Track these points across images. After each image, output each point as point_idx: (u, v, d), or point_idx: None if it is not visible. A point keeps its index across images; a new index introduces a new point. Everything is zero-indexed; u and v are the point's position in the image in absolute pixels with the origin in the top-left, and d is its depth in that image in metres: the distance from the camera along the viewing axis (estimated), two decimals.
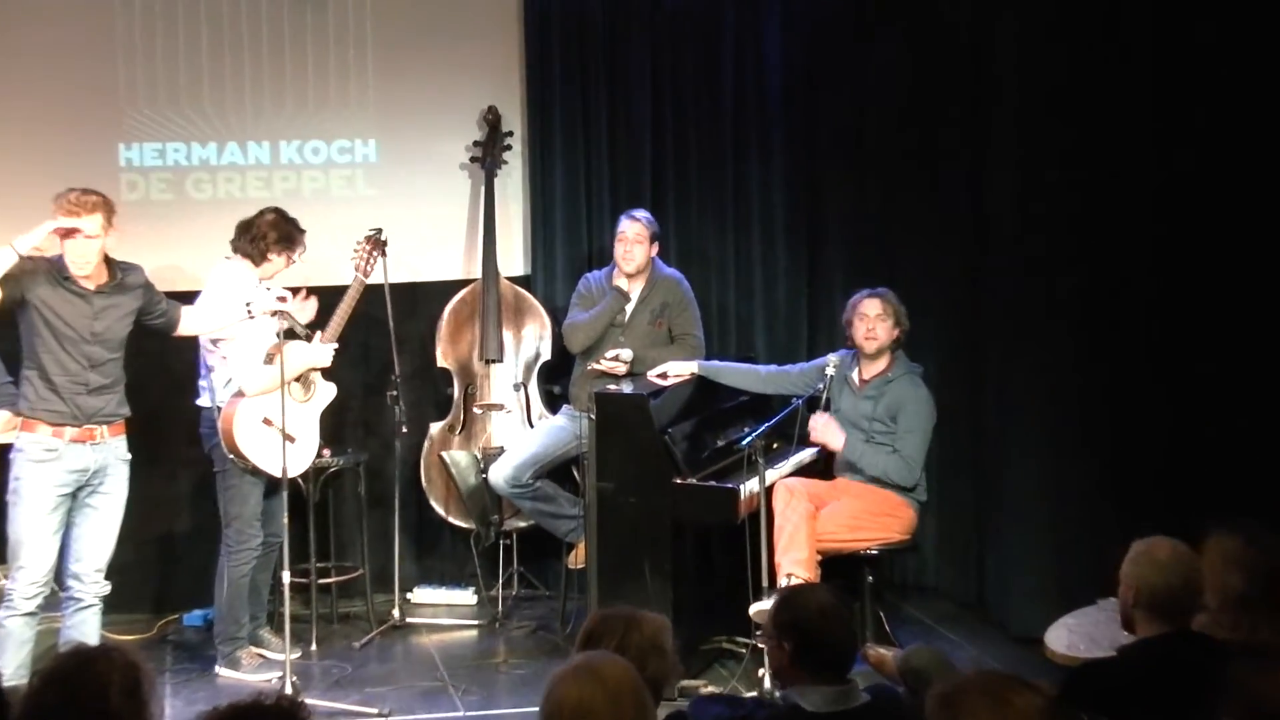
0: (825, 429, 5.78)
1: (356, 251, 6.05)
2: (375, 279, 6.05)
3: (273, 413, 5.48)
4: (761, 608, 5.21)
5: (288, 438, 5.41)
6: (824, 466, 6.05)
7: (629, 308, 6.30)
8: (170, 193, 6.62)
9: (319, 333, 5.80)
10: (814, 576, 5.43)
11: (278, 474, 5.41)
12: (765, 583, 5.27)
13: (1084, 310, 5.90)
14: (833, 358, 5.90)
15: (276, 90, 6.68)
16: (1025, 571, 6.04)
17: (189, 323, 5.53)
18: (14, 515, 5.17)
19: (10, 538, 5.19)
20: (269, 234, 5.82)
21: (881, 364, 5.91)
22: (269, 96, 6.67)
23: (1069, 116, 5.85)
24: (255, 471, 5.63)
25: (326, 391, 5.90)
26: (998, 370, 6.27)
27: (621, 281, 6.30)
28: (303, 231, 5.92)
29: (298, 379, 5.75)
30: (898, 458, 5.74)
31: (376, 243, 6.07)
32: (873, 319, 5.86)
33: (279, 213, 5.91)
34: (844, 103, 6.85)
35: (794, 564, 5.43)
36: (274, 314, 5.37)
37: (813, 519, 5.55)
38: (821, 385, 5.79)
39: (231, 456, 5.62)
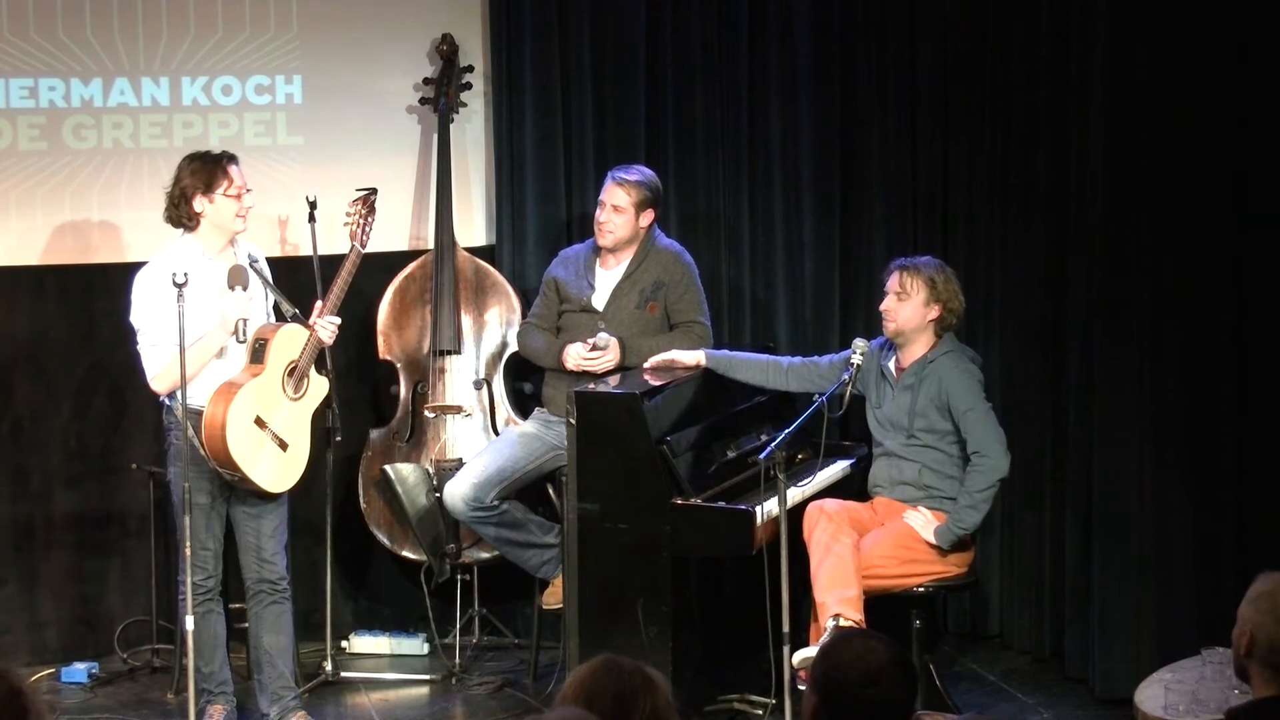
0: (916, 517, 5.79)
1: (350, 217, 6.06)
2: (305, 250, 6.03)
3: (267, 412, 5.60)
4: (809, 654, 5.20)
5: (280, 444, 5.56)
6: (859, 485, 6.07)
7: (609, 286, 6.29)
8: (44, 140, 6.59)
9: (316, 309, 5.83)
10: (863, 620, 5.45)
11: (270, 489, 5.60)
12: (786, 625, 5.27)
13: (1198, 297, 5.88)
14: (860, 343, 5.88)
15: (178, 12, 6.65)
16: (1114, 616, 6.05)
17: None
18: None
19: None
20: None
21: (920, 347, 5.90)
22: (169, 20, 6.64)
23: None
24: (233, 483, 5.66)
25: (319, 387, 5.87)
26: (1082, 368, 6.26)
27: (595, 266, 6.31)
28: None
29: (290, 371, 5.73)
30: (977, 459, 5.71)
31: (369, 205, 6.11)
32: (889, 296, 5.88)
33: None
34: (890, 33, 6.82)
35: (842, 603, 5.46)
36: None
37: (858, 551, 5.59)
38: (847, 377, 5.78)
39: (214, 464, 5.61)
